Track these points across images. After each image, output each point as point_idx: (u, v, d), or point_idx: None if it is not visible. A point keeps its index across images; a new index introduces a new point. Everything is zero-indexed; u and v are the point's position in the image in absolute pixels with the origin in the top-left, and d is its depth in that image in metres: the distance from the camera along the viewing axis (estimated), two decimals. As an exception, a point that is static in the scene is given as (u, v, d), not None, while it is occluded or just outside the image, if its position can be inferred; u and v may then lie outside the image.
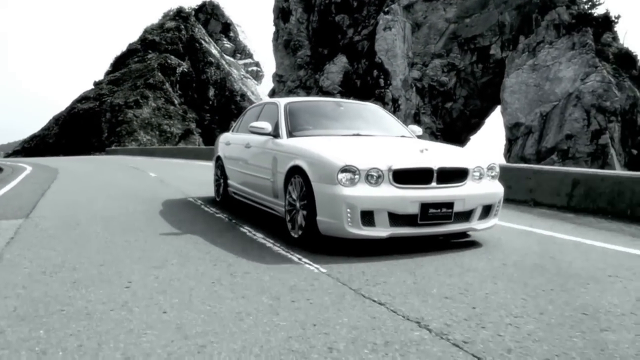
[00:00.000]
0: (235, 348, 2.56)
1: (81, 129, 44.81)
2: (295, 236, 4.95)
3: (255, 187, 6.21)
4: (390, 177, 4.44)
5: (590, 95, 25.88)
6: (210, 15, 55.26)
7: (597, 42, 28.50)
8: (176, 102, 48.91)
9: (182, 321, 2.91)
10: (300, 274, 3.93)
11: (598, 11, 31.19)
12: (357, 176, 4.38)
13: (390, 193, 4.39)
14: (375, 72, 39.15)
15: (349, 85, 41.88)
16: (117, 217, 6.54)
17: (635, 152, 25.68)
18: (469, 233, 5.29)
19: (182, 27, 51.00)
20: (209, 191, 8.81)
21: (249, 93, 46.85)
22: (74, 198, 8.53)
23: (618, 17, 29.49)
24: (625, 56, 27.51)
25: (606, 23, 29.71)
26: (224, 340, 2.66)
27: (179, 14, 52.63)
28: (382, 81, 37.67)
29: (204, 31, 52.30)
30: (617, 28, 30.65)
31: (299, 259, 4.39)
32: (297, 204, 4.90)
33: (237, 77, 49.00)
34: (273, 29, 51.94)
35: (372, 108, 7.00)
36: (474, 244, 5.10)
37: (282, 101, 6.27)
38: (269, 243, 5.02)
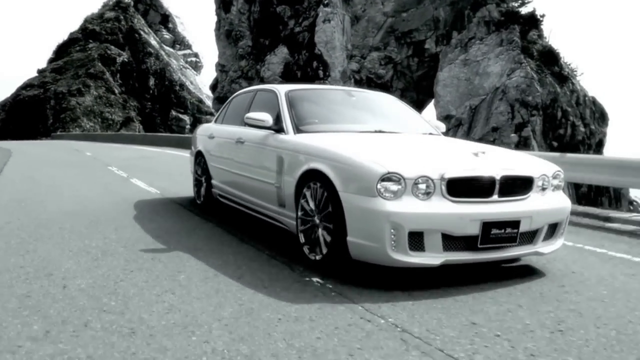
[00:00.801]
0: None
1: (27, 116, 45.69)
2: (315, 259, 4.01)
3: (251, 192, 5.25)
4: (443, 188, 3.55)
5: (514, 90, 27.20)
6: (149, 6, 54.99)
7: (523, 39, 29.88)
8: (117, 91, 48.99)
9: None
10: (342, 315, 3.09)
11: (526, 9, 32.64)
12: (401, 187, 3.47)
13: (444, 209, 3.52)
14: (315, 64, 39.58)
15: (290, 76, 42.14)
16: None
17: (555, 144, 27.21)
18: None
19: (122, 17, 51.31)
20: (141, 164, 9.49)
21: (187, 83, 46.89)
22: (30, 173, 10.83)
23: (543, 16, 30.98)
24: (548, 53, 28.99)
25: (532, 21, 31.15)
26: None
27: (118, 4, 52.86)
28: (321, 72, 38.15)
29: (143, 22, 52.18)
30: (544, 26, 32.22)
31: (331, 289, 3.58)
32: (316, 218, 3.99)
33: (176, 68, 48.92)
34: (215, 18, 51.59)
35: (387, 98, 6.05)
36: (533, 272, 4.24)
37: (281, 88, 5.32)
38: (285, 267, 4.12)
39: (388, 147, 4.19)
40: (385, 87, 37.82)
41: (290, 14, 44.74)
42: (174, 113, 45.72)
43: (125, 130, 47.24)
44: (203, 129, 7.06)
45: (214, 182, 6.36)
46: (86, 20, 53.01)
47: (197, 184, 6.86)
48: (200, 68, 51.99)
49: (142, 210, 6.64)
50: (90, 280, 3.70)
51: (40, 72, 51.68)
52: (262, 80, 47.63)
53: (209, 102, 47.01)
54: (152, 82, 48.32)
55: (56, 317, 2.93)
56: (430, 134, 5.23)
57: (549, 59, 28.75)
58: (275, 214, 4.80)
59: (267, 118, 4.87)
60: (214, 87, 51.84)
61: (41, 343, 2.59)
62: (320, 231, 3.95)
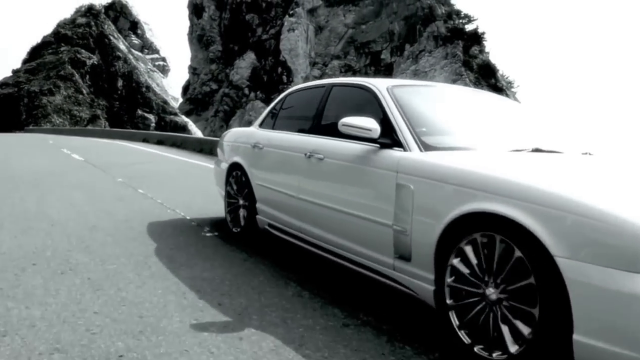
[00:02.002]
0: None
1: (1, 111, 50.00)
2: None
3: (338, 231, 3.44)
4: None
5: (455, 99, 30.37)
6: (119, 13, 58.13)
7: (465, 53, 33.12)
8: (85, 91, 52.13)
9: None
10: None
11: (470, 27, 35.97)
12: None
13: None
14: (279, 69, 42.33)
15: (257, 80, 44.87)
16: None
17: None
18: None
19: (93, 23, 54.66)
20: (86, 146, 11.84)
21: (154, 85, 49.79)
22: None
23: (483, 34, 34.38)
24: (486, 67, 32.28)
25: (475, 38, 34.47)
26: None
27: (90, 11, 56.41)
28: (285, 77, 40.79)
29: (113, 27, 55.46)
30: (486, 42, 35.61)
31: None
32: (491, 292, 2.26)
33: (144, 71, 51.97)
34: (188, 23, 54.11)
35: (509, 101, 4.45)
36: None
37: (379, 83, 3.51)
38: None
39: (596, 180, 2.52)
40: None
41: (259, 22, 47.36)
42: (140, 112, 48.44)
43: (91, 126, 50.64)
44: (241, 135, 5.07)
45: (261, 206, 4.46)
46: (59, 25, 56.13)
47: (233, 207, 4.92)
48: (167, 71, 54.81)
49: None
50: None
51: (14, 72, 55.20)
52: (231, 84, 50.26)
53: (174, 104, 50.01)
54: (120, 83, 51.22)
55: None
56: (588, 153, 3.40)
57: (487, 72, 32.01)
58: (387, 269, 2.94)
59: (374, 126, 3.06)
60: (185, 89, 54.25)
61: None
62: (502, 315, 2.20)
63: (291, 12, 41.86)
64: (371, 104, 3.26)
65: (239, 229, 4.63)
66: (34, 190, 6.05)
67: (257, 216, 4.34)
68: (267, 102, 39.37)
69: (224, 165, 5.02)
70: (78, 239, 3.78)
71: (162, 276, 3.07)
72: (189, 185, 7.36)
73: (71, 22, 55.45)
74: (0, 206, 4.91)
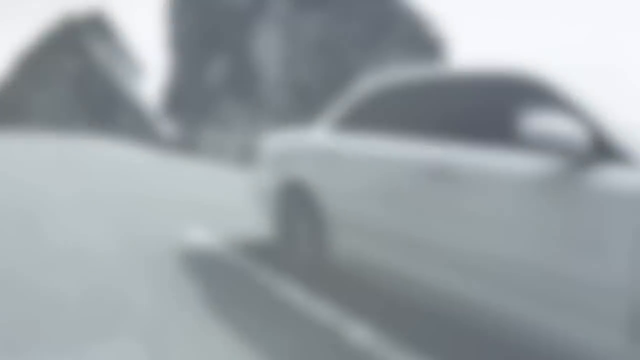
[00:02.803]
0: None
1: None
2: None
3: (500, 286, 2.23)
4: None
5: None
6: (98, 22, 60.00)
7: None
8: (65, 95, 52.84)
9: None
10: None
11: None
12: None
13: None
14: (248, 74, 43.86)
15: (231, 84, 46.85)
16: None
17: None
18: None
19: (71, 30, 56.43)
20: None
21: (130, 89, 51.30)
22: None
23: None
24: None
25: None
26: None
27: (70, 20, 58.26)
28: (256, 82, 42.16)
29: (92, 34, 57.33)
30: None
31: None
32: None
33: (120, 75, 53.66)
34: (161, 27, 55.21)
35: None
36: None
37: (551, 69, 2.31)
38: None
39: None
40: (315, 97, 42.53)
41: (230, 26, 48.82)
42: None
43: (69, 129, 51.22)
44: (301, 140, 3.68)
45: (340, 238, 3.19)
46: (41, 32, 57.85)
47: (292, 236, 3.72)
48: (141, 74, 56.10)
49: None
50: None
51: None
52: (205, 88, 51.67)
53: (150, 106, 51.34)
54: (98, 87, 52.11)
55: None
56: None
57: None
58: (606, 353, 1.86)
59: (577, 134, 2.00)
60: (163, 91, 55.55)
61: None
62: None
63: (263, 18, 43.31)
64: (537, 99, 2.22)
65: (296, 262, 3.61)
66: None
67: (334, 247, 3.18)
68: (242, 106, 40.84)
69: (272, 181, 3.87)
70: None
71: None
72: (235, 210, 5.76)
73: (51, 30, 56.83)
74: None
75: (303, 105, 42.50)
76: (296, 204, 3.52)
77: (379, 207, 2.79)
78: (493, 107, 2.36)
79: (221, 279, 3.33)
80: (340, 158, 3.11)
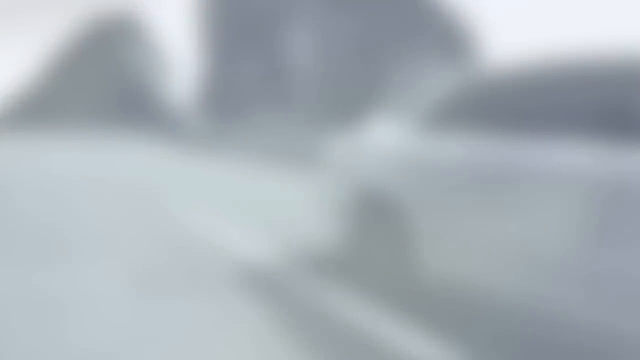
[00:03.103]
0: None
1: None
2: None
3: None
4: None
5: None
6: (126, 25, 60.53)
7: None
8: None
9: None
10: None
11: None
12: None
13: None
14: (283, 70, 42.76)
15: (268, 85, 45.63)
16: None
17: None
18: None
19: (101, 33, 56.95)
20: None
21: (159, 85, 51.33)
22: None
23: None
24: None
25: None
26: None
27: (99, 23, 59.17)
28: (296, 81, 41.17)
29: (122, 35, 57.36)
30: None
31: None
32: None
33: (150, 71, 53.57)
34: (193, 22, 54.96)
35: None
36: None
37: None
38: None
39: None
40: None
41: (263, 26, 47.77)
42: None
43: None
44: (382, 142, 3.04)
45: (434, 254, 2.65)
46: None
47: (368, 251, 3.23)
48: (172, 75, 55.59)
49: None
50: None
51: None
52: (237, 88, 50.65)
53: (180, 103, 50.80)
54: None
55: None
56: None
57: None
58: None
59: None
60: (195, 91, 54.89)
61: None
62: None
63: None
64: None
65: (374, 281, 3.08)
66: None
67: (431, 270, 2.64)
68: (275, 106, 39.82)
69: (339, 190, 3.32)
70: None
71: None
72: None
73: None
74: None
75: (336, 106, 41.21)
76: (374, 216, 3.02)
77: (482, 217, 2.30)
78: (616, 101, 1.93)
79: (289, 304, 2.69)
80: (436, 165, 2.56)
